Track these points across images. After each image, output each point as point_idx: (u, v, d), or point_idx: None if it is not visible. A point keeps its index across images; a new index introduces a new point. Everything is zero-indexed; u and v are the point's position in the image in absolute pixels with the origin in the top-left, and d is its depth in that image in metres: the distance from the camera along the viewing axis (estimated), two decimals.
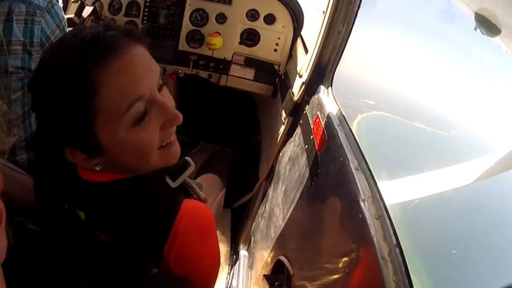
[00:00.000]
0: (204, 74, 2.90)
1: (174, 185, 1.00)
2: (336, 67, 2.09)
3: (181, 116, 0.91)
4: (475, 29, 1.49)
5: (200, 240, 0.95)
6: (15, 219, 0.87)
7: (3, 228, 0.58)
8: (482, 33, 1.49)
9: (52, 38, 1.59)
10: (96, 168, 0.89)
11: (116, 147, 0.86)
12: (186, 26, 2.79)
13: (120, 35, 0.83)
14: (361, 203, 1.28)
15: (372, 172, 1.41)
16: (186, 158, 1.05)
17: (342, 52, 2.07)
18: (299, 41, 2.74)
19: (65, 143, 0.86)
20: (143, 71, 0.84)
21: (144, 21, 2.79)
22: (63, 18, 1.67)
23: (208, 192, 2.12)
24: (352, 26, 1.98)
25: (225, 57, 2.85)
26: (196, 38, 2.82)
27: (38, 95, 0.84)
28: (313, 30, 2.15)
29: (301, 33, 2.81)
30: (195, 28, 2.79)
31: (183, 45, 2.83)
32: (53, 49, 0.84)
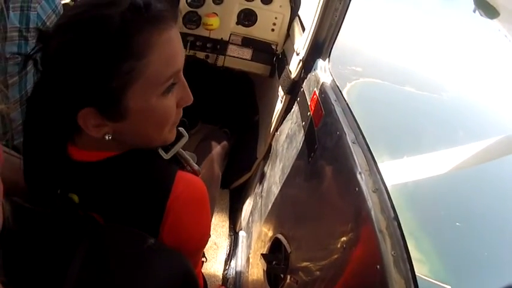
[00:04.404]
0: (201, 55, 2.89)
1: (166, 156, 0.98)
2: (333, 44, 2.09)
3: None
4: (474, 11, 1.49)
5: (194, 212, 0.95)
6: (13, 199, 0.86)
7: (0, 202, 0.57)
8: (481, 15, 1.48)
9: (48, 23, 1.59)
10: (106, 137, 0.86)
11: (141, 114, 0.85)
12: (183, 7, 2.75)
13: (169, 10, 0.84)
14: (358, 176, 1.28)
15: (369, 145, 1.40)
16: (179, 128, 1.03)
17: (339, 29, 2.07)
18: (296, 20, 2.73)
19: (85, 103, 0.82)
20: (180, 48, 0.87)
21: None
22: (59, 3, 1.68)
23: (208, 166, 2.11)
24: (349, 2, 1.98)
25: (222, 38, 2.84)
26: (193, 19, 2.78)
27: (64, 49, 0.78)
28: (310, 9, 2.14)
29: (299, 12, 2.78)
30: (191, 9, 2.75)
31: (179, 27, 2.77)
32: (91, 2, 0.80)
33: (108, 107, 0.82)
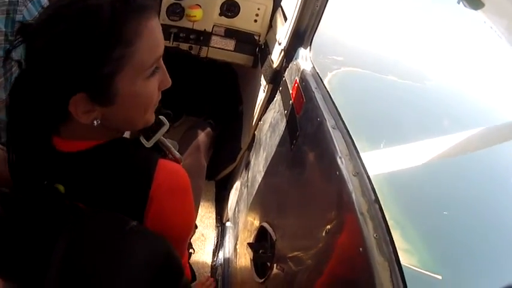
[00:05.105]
0: (184, 46, 2.88)
1: (148, 144, 1.01)
2: (314, 33, 2.10)
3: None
4: (458, 2, 1.48)
5: (177, 200, 0.97)
6: (1, 190, 0.90)
7: None
8: (465, 6, 1.47)
9: None
10: (94, 122, 0.88)
11: (129, 97, 0.87)
12: None
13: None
14: (338, 160, 1.29)
15: (349, 130, 1.41)
16: (159, 116, 1.05)
17: (320, 18, 2.07)
18: (279, 10, 2.72)
19: (77, 89, 0.83)
20: (161, 35, 0.90)
21: None
22: (46, 4, 1.64)
23: (193, 155, 2.11)
24: None
25: (205, 29, 2.83)
26: (176, 11, 2.76)
27: (57, 40, 0.79)
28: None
29: (282, 3, 2.77)
30: (175, 1, 2.74)
31: (163, 19, 2.78)
32: None
33: (99, 92, 0.84)
